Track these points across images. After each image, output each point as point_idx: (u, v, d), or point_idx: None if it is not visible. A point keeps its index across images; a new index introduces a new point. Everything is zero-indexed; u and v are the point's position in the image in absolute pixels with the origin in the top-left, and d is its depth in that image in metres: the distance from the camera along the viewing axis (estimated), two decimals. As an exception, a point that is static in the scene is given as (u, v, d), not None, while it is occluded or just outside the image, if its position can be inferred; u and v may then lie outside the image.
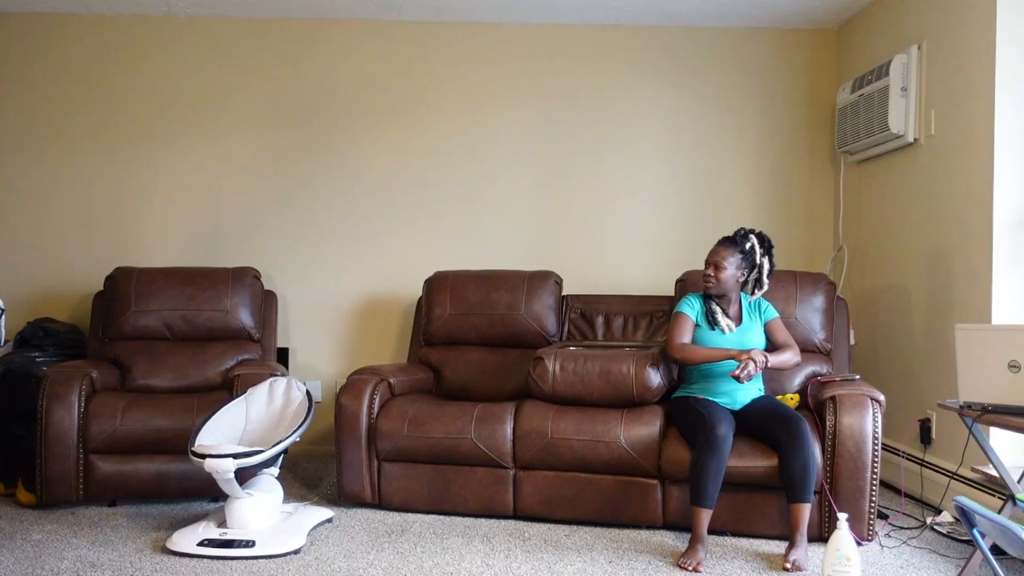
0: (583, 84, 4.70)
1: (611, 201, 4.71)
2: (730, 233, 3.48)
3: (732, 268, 3.36)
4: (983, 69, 3.39)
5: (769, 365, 3.23)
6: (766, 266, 3.42)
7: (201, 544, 3.02)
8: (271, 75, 4.66)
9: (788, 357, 3.34)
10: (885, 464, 3.69)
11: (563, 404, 3.53)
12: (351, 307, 4.70)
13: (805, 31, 4.71)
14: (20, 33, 4.57)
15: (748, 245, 3.39)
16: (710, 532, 3.09)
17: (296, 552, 3.06)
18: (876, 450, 3.12)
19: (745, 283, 3.45)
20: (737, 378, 3.15)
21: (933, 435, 3.74)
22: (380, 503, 3.58)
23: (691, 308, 3.46)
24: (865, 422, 3.13)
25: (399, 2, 4.41)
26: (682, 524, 3.27)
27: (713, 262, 3.38)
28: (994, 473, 3.01)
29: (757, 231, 3.45)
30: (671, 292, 4.13)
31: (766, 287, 3.47)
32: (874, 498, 3.13)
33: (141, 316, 4.07)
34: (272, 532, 3.12)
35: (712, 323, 3.42)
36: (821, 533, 3.16)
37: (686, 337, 3.41)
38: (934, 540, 3.26)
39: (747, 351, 3.21)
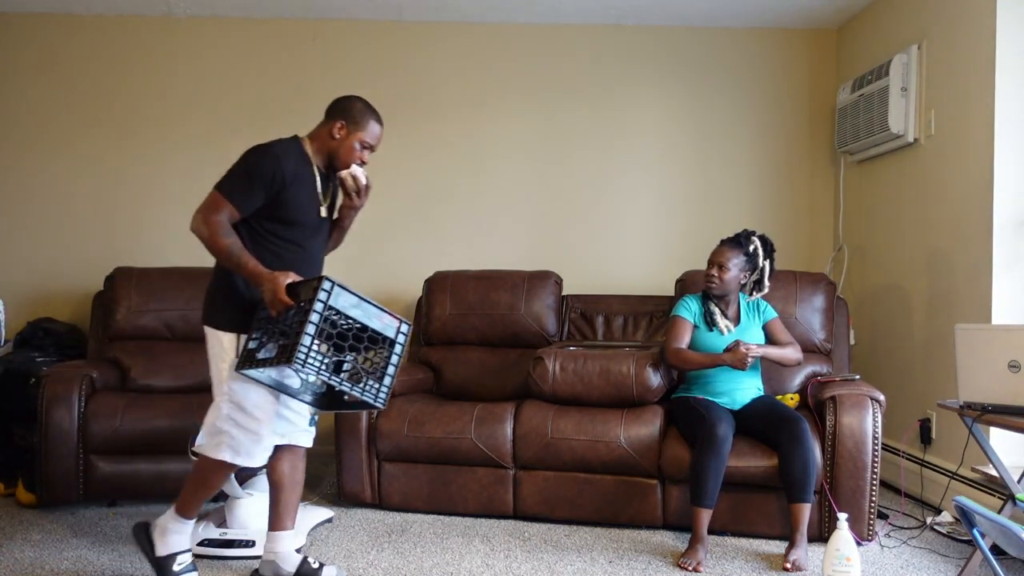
0: (583, 84, 4.70)
1: (611, 201, 4.70)
2: (730, 233, 3.48)
3: (736, 269, 3.37)
4: (983, 69, 3.39)
5: (764, 353, 3.26)
6: (768, 269, 3.44)
7: (201, 544, 3.02)
8: (271, 75, 4.65)
9: (788, 352, 3.35)
10: (885, 464, 3.69)
11: (563, 404, 3.53)
12: (351, 307, 4.69)
13: (805, 31, 4.71)
14: (20, 33, 4.57)
15: (752, 247, 3.40)
16: (710, 532, 3.09)
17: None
18: (876, 450, 3.12)
19: (743, 284, 3.46)
20: (735, 365, 3.18)
21: (933, 435, 3.73)
22: (380, 503, 3.58)
23: (688, 311, 3.46)
24: (865, 422, 3.13)
25: (399, 2, 4.41)
26: (682, 524, 3.27)
27: (717, 262, 3.38)
28: (994, 473, 3.00)
29: (759, 233, 3.46)
30: (671, 292, 4.12)
31: (766, 290, 3.48)
32: (874, 498, 3.13)
33: (141, 316, 4.07)
34: (272, 532, 3.12)
35: (710, 324, 3.42)
36: (821, 533, 3.16)
37: (683, 341, 3.41)
38: (934, 540, 3.26)
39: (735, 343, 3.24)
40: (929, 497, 3.67)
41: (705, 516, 3.04)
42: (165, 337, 4.09)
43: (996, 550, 2.32)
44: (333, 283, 2.37)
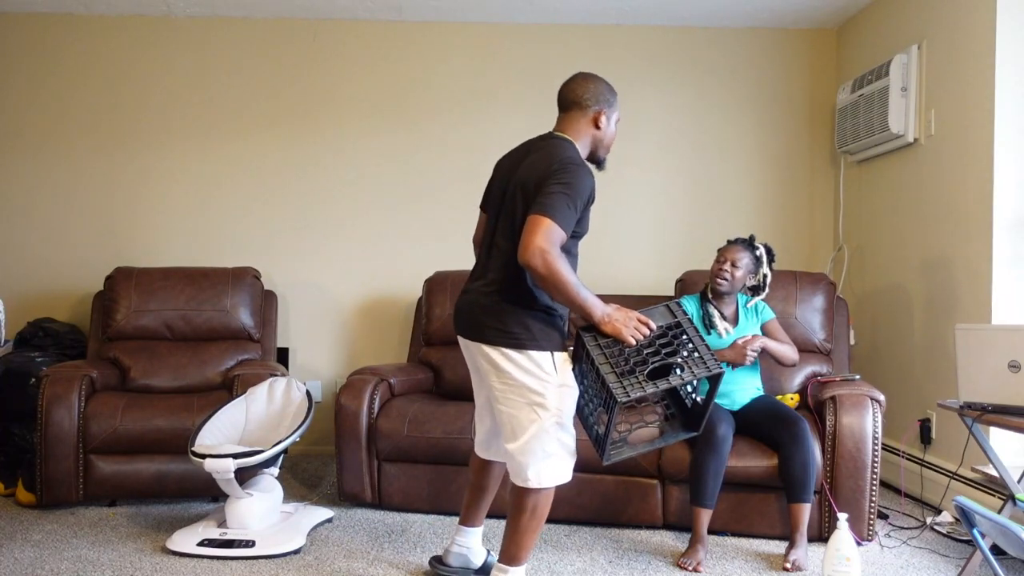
0: (583, 84, 4.69)
1: (611, 201, 4.69)
2: (730, 233, 3.50)
3: (744, 269, 3.39)
4: (983, 69, 3.39)
5: (765, 345, 3.29)
6: (769, 275, 3.46)
7: (201, 544, 3.02)
8: (271, 75, 4.65)
9: (787, 350, 3.36)
10: (885, 464, 3.69)
11: (563, 404, 3.52)
12: (351, 307, 4.70)
13: (805, 31, 4.71)
14: (20, 33, 4.57)
15: (758, 251, 3.42)
16: (710, 532, 3.10)
17: (296, 552, 3.06)
18: (876, 450, 3.12)
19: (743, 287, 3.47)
20: (736, 360, 3.21)
21: (933, 435, 3.73)
22: (380, 503, 3.58)
23: None
24: (865, 422, 3.13)
25: (399, 2, 4.41)
26: (682, 524, 3.27)
27: (730, 259, 3.39)
28: (994, 473, 3.00)
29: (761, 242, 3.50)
30: (671, 292, 4.12)
31: (765, 295, 3.49)
32: (874, 498, 3.13)
33: (141, 316, 4.07)
34: (272, 532, 3.12)
35: (709, 326, 3.42)
36: (821, 533, 3.16)
37: None
38: (934, 540, 3.26)
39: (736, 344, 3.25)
40: (929, 497, 3.67)
41: (705, 516, 3.04)
42: (165, 337, 4.09)
43: (996, 550, 2.33)
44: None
